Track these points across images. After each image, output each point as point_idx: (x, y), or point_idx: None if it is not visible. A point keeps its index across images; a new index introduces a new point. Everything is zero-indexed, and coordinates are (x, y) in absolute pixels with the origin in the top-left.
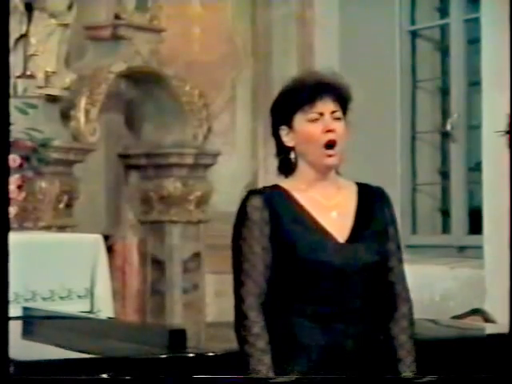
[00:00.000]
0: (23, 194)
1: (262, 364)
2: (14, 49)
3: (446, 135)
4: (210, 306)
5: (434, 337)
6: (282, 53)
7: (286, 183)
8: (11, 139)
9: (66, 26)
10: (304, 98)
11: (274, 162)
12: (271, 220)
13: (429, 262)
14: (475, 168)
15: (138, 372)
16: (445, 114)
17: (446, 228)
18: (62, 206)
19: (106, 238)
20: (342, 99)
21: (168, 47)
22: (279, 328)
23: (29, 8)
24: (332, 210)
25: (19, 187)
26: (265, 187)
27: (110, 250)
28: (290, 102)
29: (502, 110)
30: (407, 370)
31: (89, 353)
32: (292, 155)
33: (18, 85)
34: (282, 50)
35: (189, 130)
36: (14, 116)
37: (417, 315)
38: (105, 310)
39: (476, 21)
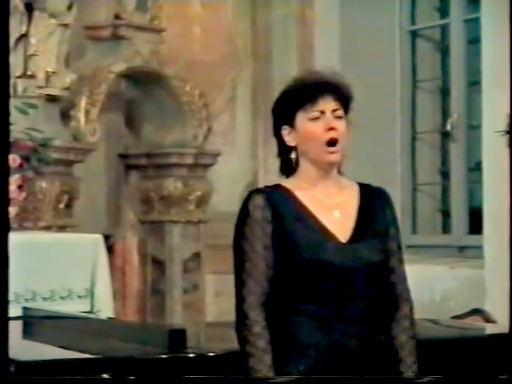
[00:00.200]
0: (23, 194)
1: (263, 364)
2: (14, 49)
3: (446, 135)
4: (210, 305)
5: (434, 337)
6: (282, 53)
7: (287, 182)
8: (11, 139)
9: (66, 26)
10: (305, 96)
11: (274, 162)
12: (273, 219)
13: (429, 261)
14: (475, 168)
15: (138, 372)
16: (445, 113)
17: (446, 228)
18: (62, 206)
19: (106, 237)
20: (344, 98)
21: (168, 47)
22: (280, 327)
23: (29, 8)
24: (334, 209)
25: (19, 187)
26: (267, 186)
27: (110, 249)
28: (292, 101)
29: (502, 110)
30: (408, 371)
31: (89, 353)
32: (294, 155)
33: (18, 85)
34: (282, 50)
35: (189, 130)
36: (14, 116)
37: (417, 315)
38: (105, 310)
39: (476, 21)
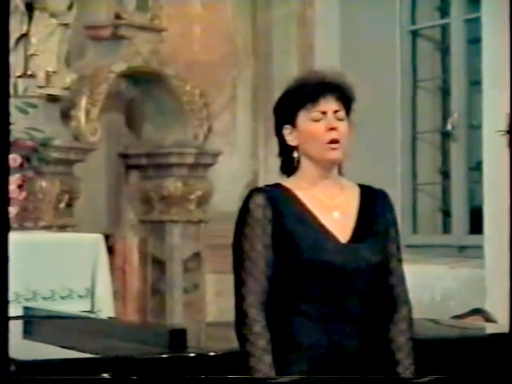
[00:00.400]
0: (24, 194)
1: (263, 363)
2: (15, 48)
3: (446, 135)
4: (210, 305)
5: (434, 337)
6: (282, 53)
7: (288, 182)
8: (12, 139)
9: (66, 25)
10: (307, 96)
11: (274, 162)
12: (274, 218)
13: (429, 261)
14: (476, 168)
15: (138, 372)
16: (445, 113)
17: (446, 228)
18: (62, 205)
19: (107, 237)
20: (346, 99)
21: (168, 47)
22: (280, 328)
23: (29, 8)
24: (334, 209)
25: (20, 187)
26: (267, 185)
27: (110, 249)
28: (294, 101)
29: (502, 110)
30: (405, 373)
31: (89, 352)
32: (295, 154)
33: (18, 84)
34: (283, 50)
35: (189, 130)
36: (15, 116)
37: (417, 315)
38: (105, 309)
39: (476, 20)
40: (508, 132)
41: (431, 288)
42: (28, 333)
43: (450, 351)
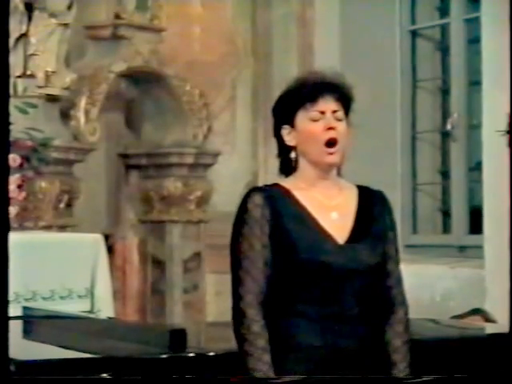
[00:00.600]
0: (23, 194)
1: (262, 363)
2: (14, 48)
3: (446, 135)
4: (210, 305)
5: (434, 337)
6: (282, 53)
7: (286, 182)
8: (11, 139)
9: (66, 25)
10: (306, 95)
11: (274, 162)
12: (272, 218)
13: (429, 261)
14: (476, 168)
15: (138, 372)
16: (445, 113)
17: (446, 228)
18: (62, 205)
19: (107, 237)
20: (345, 99)
21: (168, 47)
22: (278, 328)
23: (29, 8)
24: (332, 210)
25: (19, 187)
26: (266, 185)
27: (110, 249)
28: (292, 101)
29: (502, 110)
30: (401, 375)
31: (89, 353)
32: (293, 154)
33: (18, 84)
34: (282, 50)
35: (189, 130)
36: (14, 116)
37: (417, 315)
38: (105, 309)
39: (476, 20)
40: (508, 132)
41: (431, 288)
42: (28, 333)
43: (449, 351)
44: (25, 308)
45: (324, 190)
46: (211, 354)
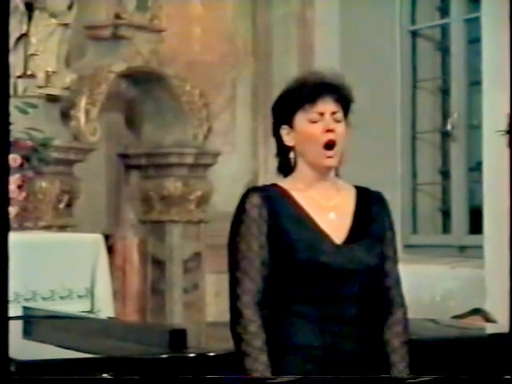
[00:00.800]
0: (23, 194)
1: (259, 363)
2: (15, 48)
3: (446, 135)
4: (210, 305)
5: (434, 337)
6: (282, 53)
7: (284, 182)
8: (11, 139)
9: (66, 25)
10: (305, 96)
11: (274, 162)
12: (269, 218)
13: (429, 261)
14: (476, 168)
15: (138, 372)
16: (445, 113)
17: (446, 228)
18: (62, 205)
19: (107, 237)
20: (344, 100)
21: (168, 47)
22: (275, 329)
23: (29, 8)
24: (330, 210)
25: (19, 187)
26: (264, 185)
27: (110, 249)
28: (291, 102)
29: (502, 110)
30: (399, 376)
31: (89, 353)
32: (292, 155)
33: (18, 84)
34: (282, 50)
35: (189, 130)
36: (15, 116)
37: (417, 315)
38: (105, 309)
39: (476, 20)
40: (508, 132)
41: (431, 288)
42: (28, 333)
43: (450, 351)
44: (25, 308)
45: (322, 191)
46: (211, 353)
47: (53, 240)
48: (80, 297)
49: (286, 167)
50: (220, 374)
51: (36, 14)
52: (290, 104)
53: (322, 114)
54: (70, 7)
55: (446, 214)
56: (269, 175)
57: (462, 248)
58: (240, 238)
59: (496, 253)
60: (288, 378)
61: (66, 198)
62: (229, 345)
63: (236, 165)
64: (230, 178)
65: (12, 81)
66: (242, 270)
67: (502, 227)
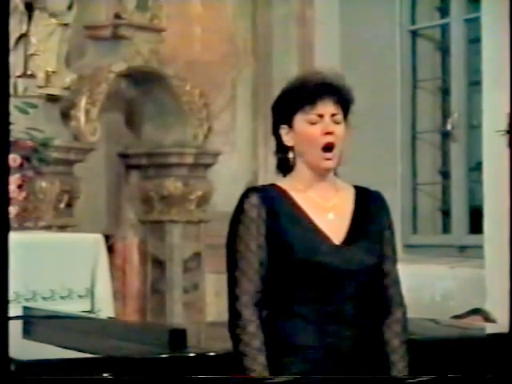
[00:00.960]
0: (23, 194)
1: (257, 363)
2: (15, 48)
3: (446, 135)
4: (210, 305)
5: (434, 337)
6: (282, 52)
7: (283, 183)
8: (11, 139)
9: (66, 25)
10: (305, 98)
11: (274, 162)
12: (268, 218)
13: (429, 261)
14: (476, 168)
15: (138, 372)
16: (445, 113)
17: (446, 228)
18: (62, 205)
19: (107, 237)
20: (344, 102)
21: (168, 47)
22: (274, 329)
23: (29, 8)
24: (329, 211)
25: (19, 187)
26: (263, 185)
27: (110, 249)
28: (291, 102)
29: (502, 110)
30: (399, 375)
31: (89, 352)
32: (291, 155)
33: (18, 84)
34: (283, 50)
35: (189, 130)
36: (15, 116)
37: (417, 315)
38: (105, 309)
39: (476, 20)
40: (508, 132)
41: (431, 288)
42: (28, 333)
43: (450, 351)
44: (25, 308)
45: (321, 192)
46: (211, 353)
47: (53, 240)
48: (80, 297)
49: (284, 166)
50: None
51: (36, 13)
52: (289, 104)
53: (321, 116)
54: (69, 7)
55: (446, 213)
56: (269, 175)
57: (462, 248)
58: (238, 238)
59: (496, 253)
60: (287, 378)
61: (66, 197)
62: (228, 345)
63: (236, 165)
64: (230, 177)
65: (12, 81)
66: (240, 271)
67: (502, 227)
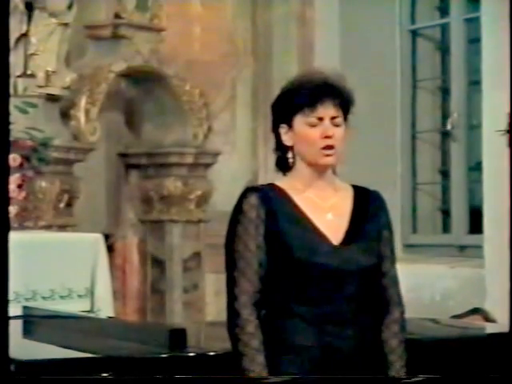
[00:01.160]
0: (23, 194)
1: (256, 363)
2: (15, 48)
3: (446, 134)
4: (210, 305)
5: (434, 336)
6: (282, 52)
7: (282, 182)
8: (11, 138)
9: (66, 25)
10: (305, 100)
11: (274, 161)
12: (267, 218)
13: (429, 261)
14: (475, 167)
15: (138, 372)
16: (445, 113)
17: (446, 227)
18: (62, 205)
19: (107, 237)
20: (344, 104)
21: (168, 46)
22: (273, 329)
23: (29, 7)
24: (328, 211)
25: (19, 186)
26: (261, 185)
27: (110, 249)
28: (291, 103)
29: (502, 110)
30: (397, 375)
31: (89, 352)
32: (290, 154)
33: (18, 84)
34: (282, 50)
35: (189, 130)
36: (15, 115)
37: (417, 314)
38: (105, 309)
39: (476, 20)
40: (508, 132)
41: (431, 288)
42: (28, 332)
43: (449, 351)
44: (25, 308)
45: (319, 191)
46: (211, 353)
47: (53, 240)
48: (80, 296)
49: (283, 165)
50: (220, 373)
51: (36, 13)
52: (289, 105)
53: (321, 119)
54: (69, 7)
55: (445, 213)
56: (269, 175)
57: (462, 248)
58: (237, 238)
59: (496, 252)
60: (286, 378)
61: (65, 197)
62: (228, 344)
63: (236, 164)
64: (230, 177)
65: (12, 80)
66: (239, 271)
67: (502, 227)
